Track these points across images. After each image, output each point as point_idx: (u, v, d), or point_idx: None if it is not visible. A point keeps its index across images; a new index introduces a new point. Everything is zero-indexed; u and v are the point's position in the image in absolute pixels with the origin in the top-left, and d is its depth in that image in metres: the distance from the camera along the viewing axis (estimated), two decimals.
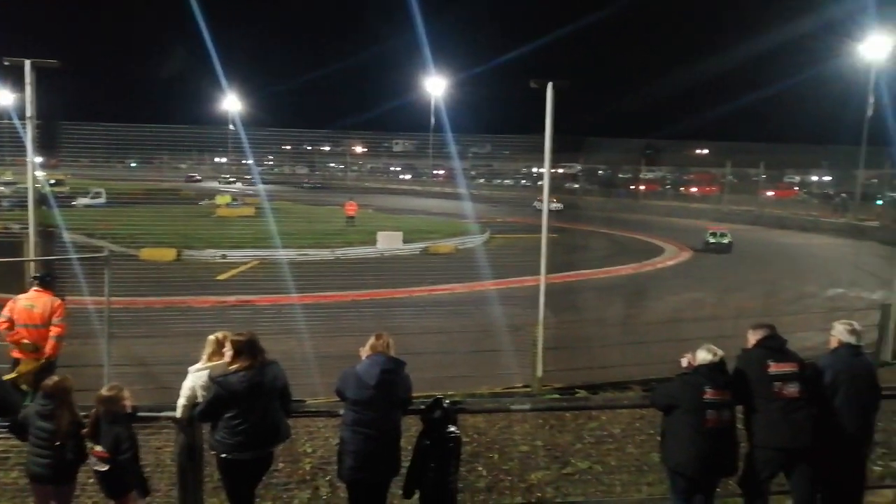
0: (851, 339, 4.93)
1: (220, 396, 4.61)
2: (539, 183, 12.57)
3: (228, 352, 4.77)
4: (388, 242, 26.73)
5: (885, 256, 20.60)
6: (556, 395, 9.60)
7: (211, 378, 4.72)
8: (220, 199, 35.75)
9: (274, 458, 5.07)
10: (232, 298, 16.96)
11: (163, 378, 9.45)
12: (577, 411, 8.12)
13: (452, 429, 4.83)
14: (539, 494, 6.09)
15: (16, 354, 7.64)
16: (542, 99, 10.74)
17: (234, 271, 21.72)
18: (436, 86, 56.43)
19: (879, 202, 44.08)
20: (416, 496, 4.81)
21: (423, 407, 4.90)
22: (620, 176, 66.25)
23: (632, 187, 62.97)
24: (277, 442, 4.94)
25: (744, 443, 4.84)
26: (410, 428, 5.14)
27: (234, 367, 4.66)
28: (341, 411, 4.86)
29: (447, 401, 5.01)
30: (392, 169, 63.10)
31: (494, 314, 16.20)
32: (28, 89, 8.73)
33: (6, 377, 6.38)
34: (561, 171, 60.92)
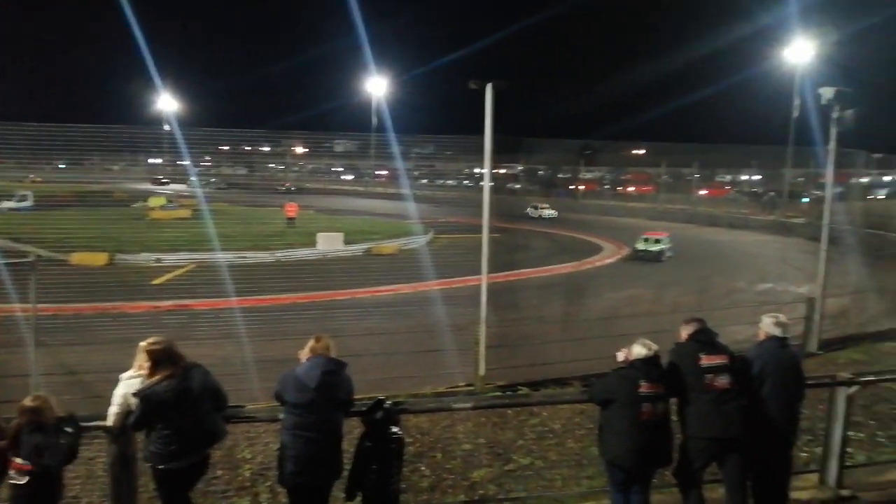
0: (777, 332, 5.13)
1: (149, 409, 4.49)
2: (481, 183, 12.68)
3: (146, 363, 4.63)
4: (329, 244, 26.47)
5: (811, 252, 21.54)
6: (498, 393, 9.68)
7: (135, 395, 4.57)
8: (153, 202, 34.71)
9: (210, 464, 4.94)
10: (167, 303, 16.49)
11: (94, 387, 9.11)
12: (518, 408, 8.22)
13: (395, 429, 4.81)
14: (482, 492, 6.13)
15: None
16: (483, 100, 10.83)
17: (169, 275, 21.12)
18: (377, 86, 56.22)
19: (805, 200, 46.13)
20: (359, 498, 4.77)
21: (364, 408, 4.86)
22: (560, 176, 67.38)
23: (571, 187, 64.11)
24: (213, 443, 4.82)
25: (678, 434, 4.98)
26: (353, 430, 5.10)
27: (157, 377, 4.53)
28: (281, 415, 4.78)
29: (389, 401, 4.99)
30: (334, 170, 62.47)
31: (437, 314, 16.24)
32: None
33: None
34: (503, 171, 61.60)
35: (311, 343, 4.77)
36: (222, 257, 21.11)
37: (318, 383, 4.55)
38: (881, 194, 49.22)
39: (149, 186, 40.78)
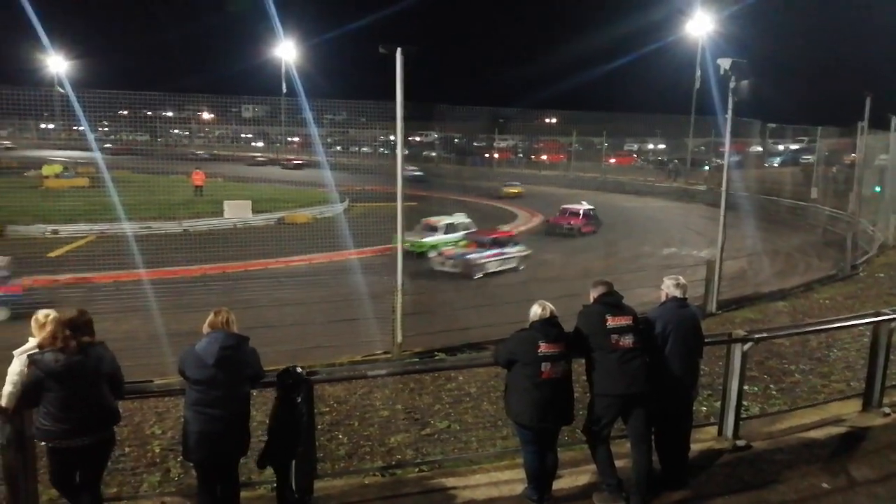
0: (678, 293, 5.39)
1: (36, 377, 4.26)
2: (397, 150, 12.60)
3: (48, 329, 4.40)
4: (237, 212, 25.64)
5: (711, 218, 22.65)
6: (416, 360, 9.76)
7: (28, 357, 4.34)
8: (47, 170, 32.59)
9: (110, 445, 4.73)
10: (65, 276, 15.62)
11: None
12: (435, 373, 8.32)
13: (304, 398, 4.79)
14: (399, 457, 6.20)
15: None
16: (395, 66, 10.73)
17: (68, 247, 19.99)
18: (287, 50, 54.45)
19: (706, 167, 48.32)
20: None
21: (274, 379, 4.79)
22: (475, 144, 67.67)
23: (486, 155, 64.57)
24: (106, 426, 4.60)
25: (587, 393, 5.18)
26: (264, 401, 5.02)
27: (49, 346, 4.31)
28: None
29: (299, 368, 4.94)
30: (243, 136, 60.34)
31: (354, 283, 16.14)
32: None
33: None
34: (418, 139, 61.24)
35: (210, 317, 4.63)
36: (125, 228, 20.13)
37: (217, 359, 4.43)
38: (775, 163, 52.09)
39: (41, 153, 38.22)
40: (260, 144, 56.48)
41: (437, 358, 9.62)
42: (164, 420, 6.56)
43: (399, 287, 11.33)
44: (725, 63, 13.33)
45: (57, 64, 46.21)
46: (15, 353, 4.58)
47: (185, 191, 29.58)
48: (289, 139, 50.56)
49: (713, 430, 6.10)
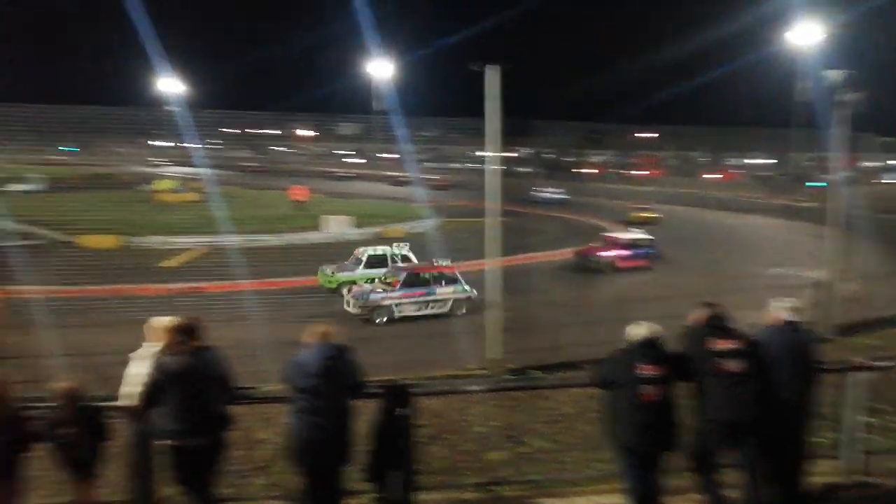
0: (790, 316, 5.09)
1: (156, 379, 4.55)
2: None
3: (165, 336, 4.70)
4: (337, 226, 26.51)
5: (821, 236, 21.43)
6: (511, 377, 9.71)
7: (152, 359, 4.66)
8: (160, 185, 34.74)
9: (224, 448, 4.96)
10: (179, 285, 16.57)
11: (107, 368, 9.16)
12: (531, 391, 8.23)
13: (406, 411, 4.85)
14: (497, 474, 6.15)
15: None
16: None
17: (180, 258, 21.21)
18: (382, 68, 55.82)
19: (815, 184, 45.80)
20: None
21: (376, 391, 4.88)
22: (567, 159, 67.03)
23: (578, 170, 63.83)
24: (218, 429, 4.83)
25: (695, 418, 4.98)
26: (367, 412, 5.12)
27: (168, 349, 4.60)
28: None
29: (401, 383, 5.02)
30: (340, 152, 62.34)
31: None
32: None
33: None
34: (510, 154, 61.29)
35: (312, 328, 4.80)
36: (231, 240, 21.18)
37: (319, 369, 4.57)
38: (888, 178, 48.75)
39: (153, 169, 40.73)
40: (356, 161, 58.17)
41: (532, 376, 9.53)
42: (271, 426, 6.80)
43: (495, 303, 11.33)
44: (835, 74, 12.66)
45: (169, 85, 49.33)
46: (132, 356, 4.90)
47: (287, 205, 30.80)
48: (383, 155, 51.67)
49: (833, 463, 5.73)
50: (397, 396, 4.83)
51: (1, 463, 4.54)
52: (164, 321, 4.88)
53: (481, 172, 13.41)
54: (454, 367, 11.07)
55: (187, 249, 22.40)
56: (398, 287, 16.69)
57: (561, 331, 13.25)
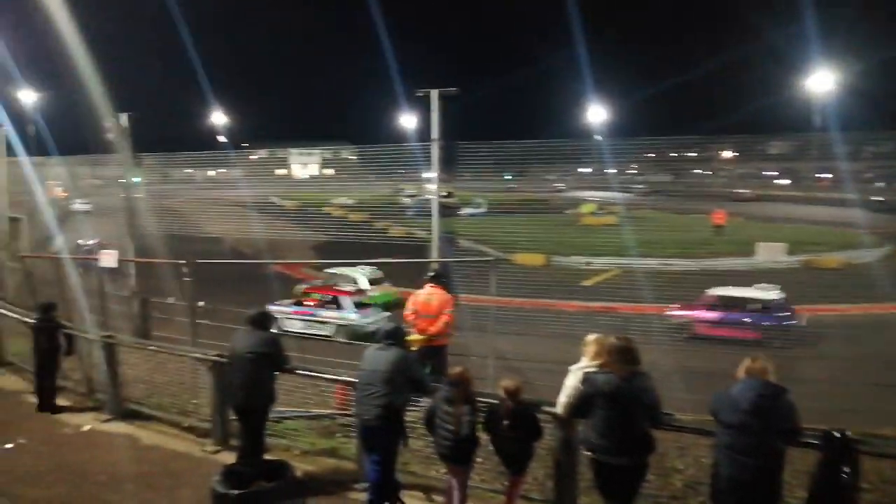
0: None
1: (587, 393, 4.83)
2: None
3: (601, 353, 4.97)
4: (769, 254, 24.58)
5: None
6: None
7: (583, 375, 4.98)
8: (584, 208, 36.87)
9: (644, 471, 5.03)
10: (596, 304, 17.36)
11: (525, 374, 10.08)
12: None
13: (846, 469, 4.25)
14: None
15: (413, 338, 8.98)
16: None
17: (597, 278, 22.23)
18: (821, 80, 50.02)
19: None
20: None
21: (812, 441, 4.39)
22: None
23: None
24: (642, 453, 4.90)
25: None
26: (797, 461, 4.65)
27: (603, 368, 4.84)
28: (714, 432, 4.64)
29: (842, 435, 4.42)
30: (766, 174, 57.81)
31: None
32: (434, 115, 10.15)
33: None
34: None
35: (747, 362, 4.55)
36: (647, 263, 21.35)
37: (752, 406, 4.30)
38: None
39: (579, 194, 43.50)
40: (785, 182, 53.25)
41: None
42: (685, 456, 6.66)
43: None
44: None
45: (595, 115, 52.19)
46: (571, 368, 5.32)
47: (705, 230, 29.81)
48: (817, 175, 46.39)
49: None
50: (842, 450, 4.28)
51: (461, 450, 5.39)
52: (602, 339, 5.20)
53: None
54: None
55: (604, 270, 23.34)
56: (292, 304, 17.88)
57: None
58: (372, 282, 21.05)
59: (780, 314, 16.70)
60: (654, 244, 23.99)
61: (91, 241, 20.33)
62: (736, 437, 4.37)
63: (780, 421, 4.37)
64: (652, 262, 22.07)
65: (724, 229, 29.94)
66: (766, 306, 16.88)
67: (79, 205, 25.33)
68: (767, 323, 16.28)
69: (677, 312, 17.29)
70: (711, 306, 17.47)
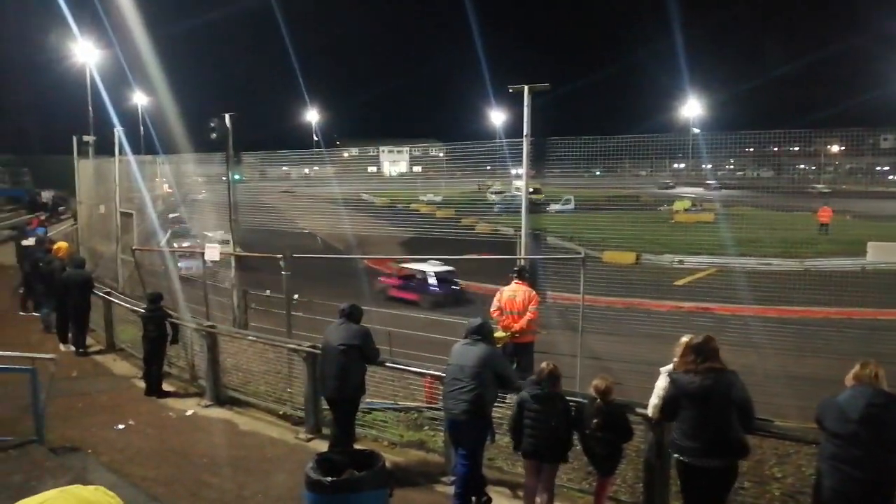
0: None
1: (672, 395, 4.72)
2: None
3: (681, 352, 4.84)
4: (881, 255, 22.98)
5: None
6: None
7: (669, 376, 4.87)
8: (678, 205, 35.65)
9: (734, 475, 4.85)
10: (689, 304, 16.81)
11: (619, 375, 9.88)
12: None
13: None
14: None
15: (499, 335, 8.98)
16: None
17: (690, 277, 21.51)
18: None
19: None
20: None
21: None
22: None
23: None
24: (734, 456, 4.73)
25: None
26: None
27: (686, 367, 4.72)
28: (819, 441, 4.41)
29: None
30: (878, 169, 54.05)
31: None
32: (526, 111, 10.06)
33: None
34: None
35: (856, 368, 4.30)
36: (744, 262, 20.46)
37: (861, 415, 4.05)
38: None
39: (672, 190, 42.24)
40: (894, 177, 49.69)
41: None
42: (784, 464, 6.38)
43: None
44: None
45: (691, 109, 50.47)
46: (661, 369, 5.20)
47: (810, 228, 28.28)
48: None
49: None
50: None
51: (551, 448, 5.37)
52: (685, 339, 5.08)
53: None
54: None
55: (698, 269, 22.56)
56: None
57: None
58: (439, 276, 22.26)
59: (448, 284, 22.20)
60: (752, 243, 22.94)
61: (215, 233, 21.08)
62: (842, 448, 4.12)
63: (892, 431, 4.10)
64: (750, 262, 21.14)
65: (829, 227, 28.32)
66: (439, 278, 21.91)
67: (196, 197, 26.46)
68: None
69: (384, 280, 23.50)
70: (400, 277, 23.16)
